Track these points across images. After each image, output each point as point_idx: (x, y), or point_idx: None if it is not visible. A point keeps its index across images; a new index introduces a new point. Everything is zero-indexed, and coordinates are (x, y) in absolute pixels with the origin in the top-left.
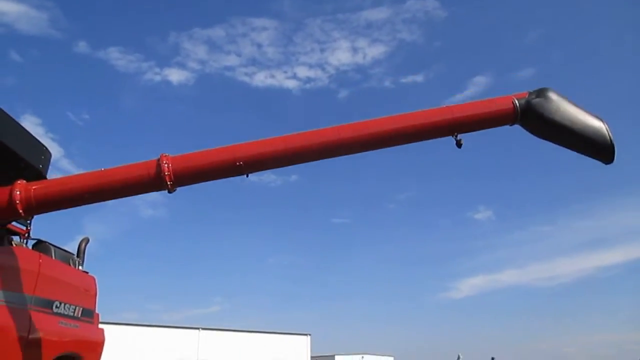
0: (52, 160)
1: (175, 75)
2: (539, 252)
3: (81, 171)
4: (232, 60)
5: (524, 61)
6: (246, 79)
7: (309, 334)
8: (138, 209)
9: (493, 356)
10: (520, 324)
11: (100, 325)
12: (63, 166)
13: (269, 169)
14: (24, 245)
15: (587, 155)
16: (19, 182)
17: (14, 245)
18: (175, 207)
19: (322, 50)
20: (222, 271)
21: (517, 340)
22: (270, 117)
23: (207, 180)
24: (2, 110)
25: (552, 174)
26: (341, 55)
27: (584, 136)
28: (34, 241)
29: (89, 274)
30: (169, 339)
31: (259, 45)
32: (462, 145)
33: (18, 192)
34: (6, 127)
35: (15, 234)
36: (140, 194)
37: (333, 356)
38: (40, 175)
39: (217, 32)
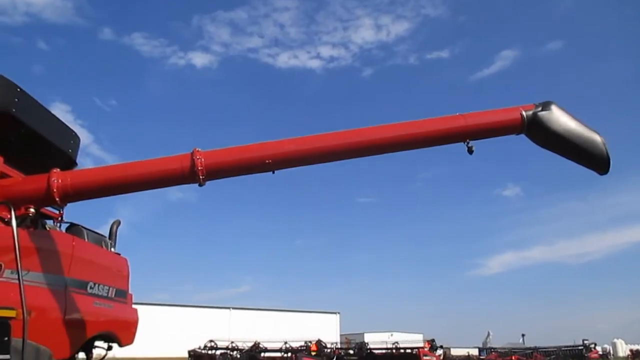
0: (82, 146)
1: (199, 59)
2: (568, 229)
3: (110, 156)
4: (255, 42)
5: (553, 33)
6: (270, 60)
7: (338, 313)
8: (167, 192)
9: (523, 333)
10: (551, 300)
11: (134, 306)
12: (93, 152)
13: (295, 166)
14: (58, 229)
15: (584, 166)
16: (55, 170)
17: (48, 228)
18: (203, 190)
19: (345, 29)
20: (251, 252)
21: (548, 317)
22: (295, 98)
23: (236, 175)
24: (32, 98)
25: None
26: (365, 33)
27: (583, 149)
28: (67, 224)
29: (121, 255)
30: (201, 319)
31: (282, 26)
32: (473, 152)
33: (55, 180)
34: (37, 115)
35: (49, 217)
36: (172, 186)
37: (362, 334)
38: (70, 160)
39: (240, 15)
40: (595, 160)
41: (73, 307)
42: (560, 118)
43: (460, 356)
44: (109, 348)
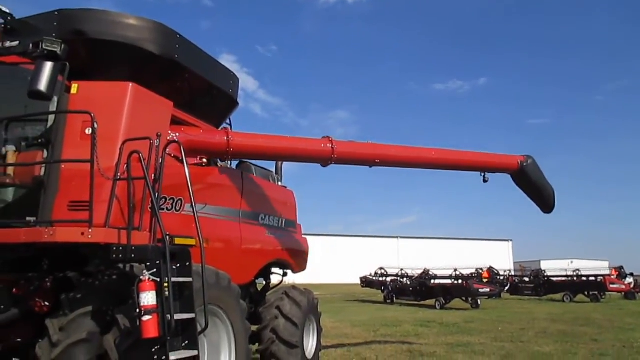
0: (249, 92)
1: None
2: None
3: (275, 100)
4: None
5: None
6: None
7: (511, 240)
8: (332, 129)
9: None
10: None
11: (310, 237)
12: (260, 97)
13: (394, 167)
14: (229, 166)
15: (535, 204)
16: (230, 130)
17: (220, 166)
18: (365, 124)
19: None
20: (419, 183)
21: None
22: (446, 22)
23: (348, 164)
24: (192, 44)
25: None
26: None
27: (543, 195)
28: (237, 162)
29: (287, 188)
30: (371, 248)
31: None
32: (487, 182)
33: (233, 140)
34: (197, 59)
35: None
36: (306, 162)
37: (538, 261)
38: (231, 100)
39: None
40: (547, 204)
41: (247, 236)
42: (536, 171)
43: None
44: (284, 274)
